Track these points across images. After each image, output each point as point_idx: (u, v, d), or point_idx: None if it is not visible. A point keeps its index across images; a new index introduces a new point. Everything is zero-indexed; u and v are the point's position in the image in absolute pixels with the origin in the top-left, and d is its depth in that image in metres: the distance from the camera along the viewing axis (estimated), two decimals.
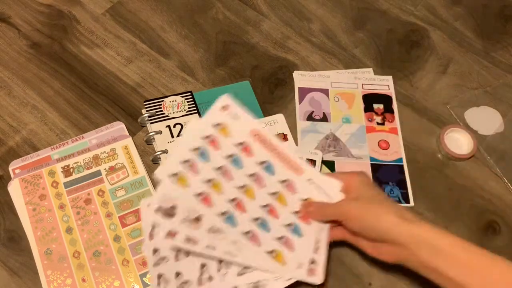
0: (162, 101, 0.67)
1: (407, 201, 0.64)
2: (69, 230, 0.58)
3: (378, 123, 0.70)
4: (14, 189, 0.61)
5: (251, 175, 0.54)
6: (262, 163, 0.55)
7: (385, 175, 0.65)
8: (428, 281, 0.46)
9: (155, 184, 0.62)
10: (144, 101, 0.67)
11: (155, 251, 0.52)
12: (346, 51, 0.77)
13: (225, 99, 0.56)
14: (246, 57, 0.74)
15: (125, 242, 0.58)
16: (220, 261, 0.53)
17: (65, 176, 0.62)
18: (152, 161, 0.64)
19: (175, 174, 0.52)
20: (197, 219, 0.51)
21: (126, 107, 0.68)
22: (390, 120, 0.70)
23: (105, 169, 0.63)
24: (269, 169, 0.55)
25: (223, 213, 0.52)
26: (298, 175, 0.55)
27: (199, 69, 0.73)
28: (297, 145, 0.66)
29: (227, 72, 0.73)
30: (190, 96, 0.68)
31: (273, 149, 0.55)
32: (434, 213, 0.63)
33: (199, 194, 0.52)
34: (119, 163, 0.63)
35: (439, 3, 0.83)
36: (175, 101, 0.67)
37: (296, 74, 0.73)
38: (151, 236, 0.52)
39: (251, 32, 0.77)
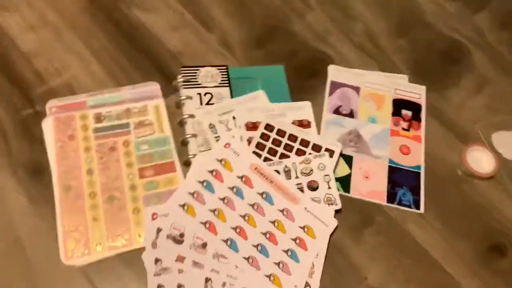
0: (198, 69, 0.70)
1: (418, 207, 0.64)
2: (90, 171, 0.62)
3: (403, 129, 0.70)
4: (47, 125, 0.64)
5: (252, 204, 0.59)
6: (262, 194, 0.59)
7: (401, 179, 0.66)
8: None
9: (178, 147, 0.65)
10: (181, 67, 0.70)
11: (157, 261, 0.55)
12: (384, 55, 0.77)
13: (227, 139, 0.62)
14: (285, 43, 0.76)
15: (139, 192, 0.61)
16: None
17: (96, 123, 0.65)
18: (178, 124, 0.66)
19: (184, 205, 0.58)
20: (203, 245, 0.56)
21: (164, 71, 0.72)
22: (416, 128, 0.70)
23: (134, 122, 0.66)
24: (269, 199, 0.59)
25: (227, 240, 0.56)
26: (295, 204, 0.59)
27: (239, 47, 0.75)
28: (319, 134, 0.68)
29: (265, 54, 0.75)
30: (225, 70, 0.70)
31: (271, 181, 0.60)
32: (443, 224, 0.63)
33: (206, 223, 0.57)
34: (148, 119, 0.66)
35: (487, 25, 0.83)
36: (210, 72, 0.70)
37: (331, 68, 0.74)
38: (154, 245, 0.56)
39: (295, 21, 0.79)
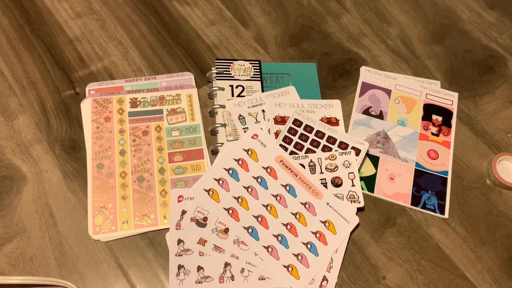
0: (232, 62, 0.72)
1: (442, 213, 0.63)
2: (122, 152, 0.64)
3: (432, 134, 0.70)
4: (86, 106, 0.67)
5: (276, 195, 0.60)
6: (285, 186, 0.61)
7: (427, 183, 0.65)
8: None
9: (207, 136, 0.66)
10: (216, 59, 0.72)
11: (180, 241, 0.57)
12: (418, 59, 0.77)
13: (255, 131, 0.64)
14: (319, 43, 0.77)
15: (168, 175, 0.63)
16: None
17: (131, 107, 0.68)
18: (209, 113, 0.68)
19: (209, 190, 0.60)
20: (225, 231, 0.57)
21: (199, 62, 0.74)
22: (446, 134, 0.70)
23: (167, 109, 0.68)
24: (292, 192, 0.60)
25: (248, 228, 0.58)
26: (318, 199, 0.60)
27: (273, 44, 0.77)
28: (346, 132, 0.68)
29: (298, 53, 0.76)
30: (258, 65, 0.72)
31: (295, 174, 0.61)
32: (467, 230, 0.62)
33: (229, 209, 0.58)
34: (180, 107, 0.68)
35: None
36: (243, 65, 0.72)
37: (363, 69, 0.75)
38: (177, 226, 0.58)
39: (330, 22, 0.80)
